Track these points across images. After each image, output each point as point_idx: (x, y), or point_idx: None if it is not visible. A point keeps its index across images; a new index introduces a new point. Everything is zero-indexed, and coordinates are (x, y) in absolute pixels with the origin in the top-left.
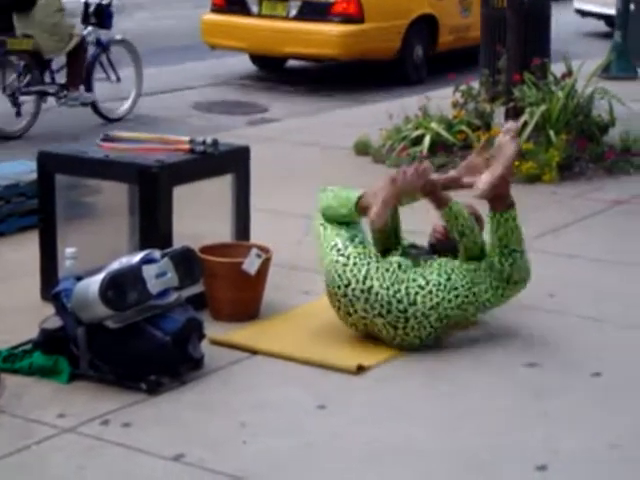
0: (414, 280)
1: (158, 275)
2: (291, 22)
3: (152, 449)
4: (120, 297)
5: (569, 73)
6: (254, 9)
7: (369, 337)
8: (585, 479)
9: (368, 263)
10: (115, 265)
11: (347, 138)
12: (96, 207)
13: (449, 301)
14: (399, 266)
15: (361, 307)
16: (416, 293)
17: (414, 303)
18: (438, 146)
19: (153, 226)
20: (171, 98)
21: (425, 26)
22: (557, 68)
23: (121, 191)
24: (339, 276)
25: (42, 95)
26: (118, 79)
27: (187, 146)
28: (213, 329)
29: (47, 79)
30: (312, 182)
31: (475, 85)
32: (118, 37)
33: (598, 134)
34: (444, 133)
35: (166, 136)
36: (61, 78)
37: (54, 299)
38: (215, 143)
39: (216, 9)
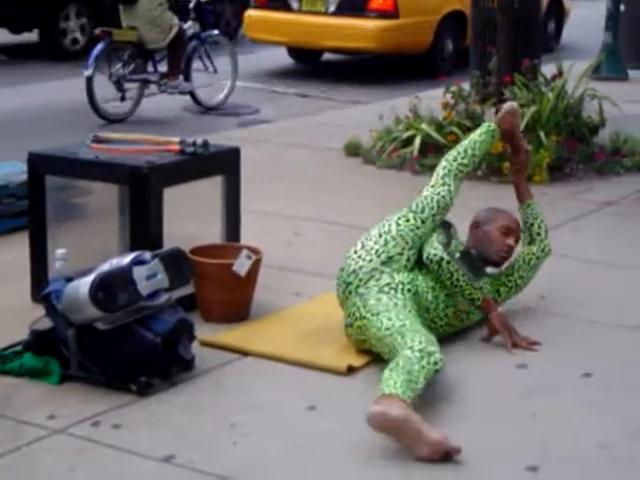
0: (367, 304)
1: (148, 276)
2: (330, 17)
3: (142, 450)
4: (110, 298)
5: (559, 74)
6: (294, 5)
7: None
8: (576, 479)
9: (370, 260)
10: (105, 266)
11: (337, 139)
12: (86, 208)
13: (371, 337)
14: (388, 284)
15: (340, 295)
16: (356, 318)
17: (351, 325)
18: (428, 147)
19: (143, 227)
20: (162, 99)
21: (455, 21)
22: (547, 69)
23: (111, 192)
24: (346, 258)
25: (144, 83)
26: (215, 70)
27: (177, 147)
28: (203, 330)
29: (150, 68)
30: (302, 183)
31: (465, 86)
32: (215, 32)
33: (588, 135)
34: (434, 134)
35: (156, 137)
36: (162, 67)
37: (44, 300)
38: (205, 144)
39: (258, 5)
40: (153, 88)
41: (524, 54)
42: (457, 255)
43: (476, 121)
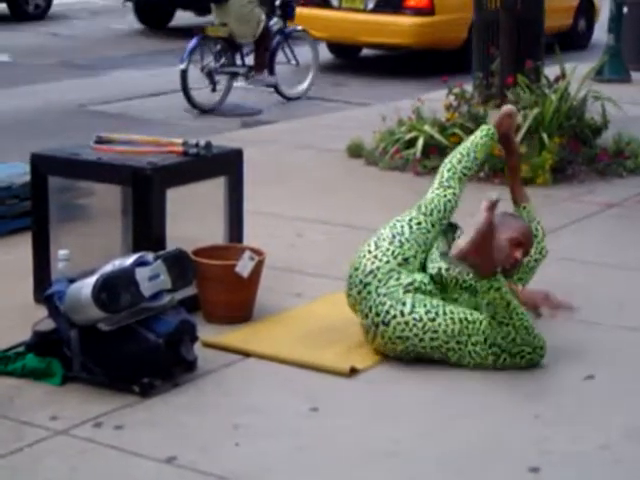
0: (403, 303)
1: (151, 277)
2: (368, 14)
3: (144, 451)
4: (113, 299)
5: (562, 76)
6: (334, 2)
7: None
8: None
9: (387, 262)
10: (108, 267)
11: (340, 140)
12: (89, 209)
13: (421, 340)
14: (410, 283)
15: (354, 295)
16: (394, 316)
17: (387, 324)
18: (431, 149)
19: (146, 228)
20: (165, 100)
21: None
22: (550, 71)
23: (114, 193)
24: (358, 257)
25: (233, 75)
26: (297, 63)
27: (180, 148)
28: (206, 331)
29: (238, 61)
30: (305, 184)
31: (468, 88)
32: (299, 27)
33: (591, 137)
34: (437, 136)
35: (159, 138)
36: (250, 61)
37: (47, 301)
38: (208, 145)
39: (301, 3)
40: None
41: (527, 55)
42: None
43: (479, 123)
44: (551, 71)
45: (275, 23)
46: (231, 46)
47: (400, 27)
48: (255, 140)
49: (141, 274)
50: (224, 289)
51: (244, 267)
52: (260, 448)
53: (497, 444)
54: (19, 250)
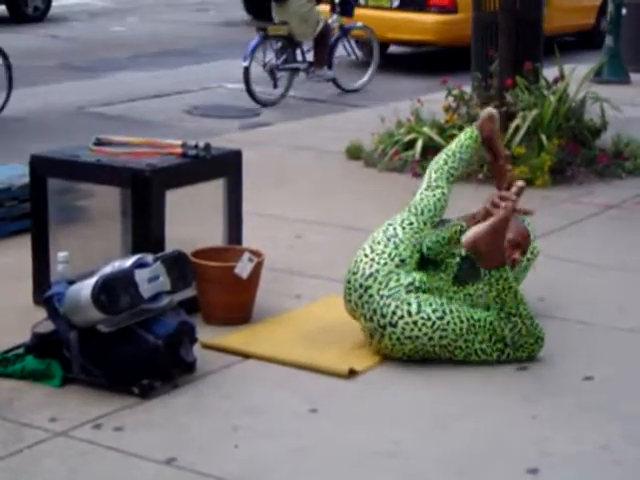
0: (408, 303)
1: (150, 279)
2: (394, 12)
3: (144, 453)
4: (112, 301)
5: (561, 77)
6: (361, 0)
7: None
8: None
9: (385, 264)
10: (107, 269)
11: (339, 142)
12: (88, 211)
13: (430, 339)
14: (411, 283)
15: (354, 300)
16: (401, 317)
17: (394, 325)
18: (430, 150)
19: (145, 230)
20: (164, 102)
21: None
22: (549, 72)
23: (113, 195)
24: (355, 261)
25: (294, 71)
26: (357, 58)
27: (179, 150)
28: (205, 333)
29: (299, 58)
30: (304, 186)
31: (467, 89)
32: (359, 24)
33: (590, 138)
34: (436, 137)
35: (158, 140)
36: (310, 57)
37: (46, 303)
38: (207, 147)
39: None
40: (302, 76)
41: (526, 57)
42: (457, 259)
43: None
44: (550, 72)
45: (335, 20)
46: (291, 44)
47: (424, 24)
48: (254, 142)
49: (140, 276)
50: (223, 291)
51: (243, 268)
52: (259, 449)
53: (496, 445)
54: (18, 252)
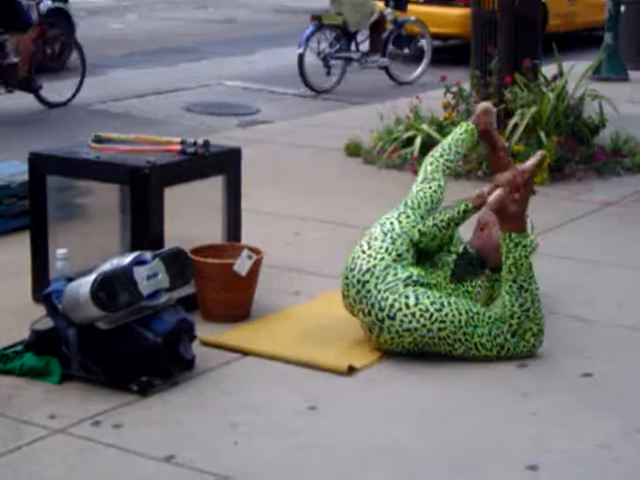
0: (406, 296)
1: (149, 276)
2: (422, 6)
3: (143, 450)
4: (111, 298)
5: (560, 74)
6: None
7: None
8: (575, 479)
9: (382, 259)
10: (106, 266)
11: (338, 139)
12: (87, 208)
13: (429, 330)
14: (409, 277)
15: (352, 295)
16: (399, 309)
17: (392, 318)
18: (429, 147)
19: (144, 227)
20: (163, 99)
21: None
22: (548, 70)
23: (112, 192)
24: (352, 258)
25: (347, 60)
26: (409, 51)
27: (178, 147)
28: (204, 330)
29: (352, 48)
30: (303, 183)
31: (466, 86)
32: (412, 18)
33: (589, 135)
34: (435, 134)
35: (157, 137)
36: (363, 48)
37: (45, 300)
38: (206, 144)
39: None
40: (355, 65)
41: (525, 54)
42: (453, 256)
43: None
44: (549, 70)
45: (389, 13)
46: (345, 33)
47: (452, 18)
48: (253, 139)
49: (139, 273)
50: (222, 288)
51: (242, 266)
52: (258, 446)
53: (495, 442)
54: (17, 249)
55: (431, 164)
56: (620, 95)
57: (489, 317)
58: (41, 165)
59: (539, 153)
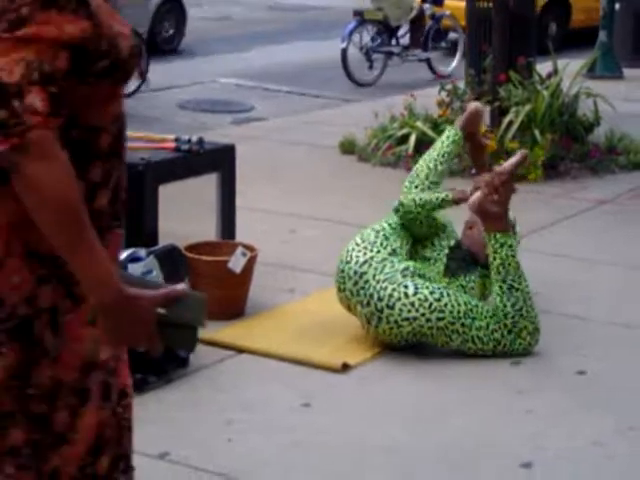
0: (405, 286)
1: (143, 273)
2: (456, 1)
3: (137, 447)
4: None
5: (554, 72)
6: None
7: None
8: (570, 476)
9: (378, 251)
10: None
11: (332, 137)
12: None
13: (428, 320)
14: (406, 268)
15: (349, 288)
16: (398, 299)
17: (392, 307)
18: (424, 145)
19: (138, 224)
20: (157, 97)
21: (559, 6)
22: (543, 67)
23: None
24: (347, 251)
25: (389, 54)
26: (447, 45)
27: (173, 144)
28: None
29: (393, 42)
30: (297, 181)
31: (461, 84)
32: (447, 12)
33: (583, 133)
34: (430, 132)
35: (152, 134)
36: (403, 42)
37: None
38: (201, 142)
39: None
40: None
41: (519, 52)
42: (445, 251)
43: None
44: (543, 67)
45: (428, 8)
46: (387, 28)
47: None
48: (247, 136)
49: (134, 270)
50: (217, 285)
51: (236, 263)
52: (253, 443)
53: (490, 439)
54: None
55: (416, 187)
56: (614, 93)
57: (487, 311)
58: None
59: (520, 153)
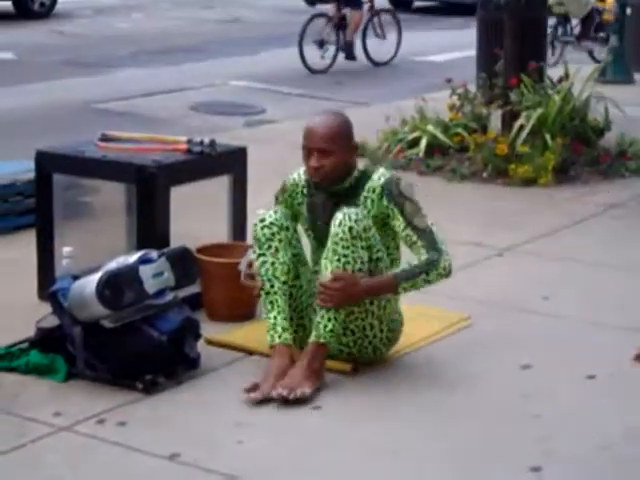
0: None
1: (155, 275)
2: None
3: (147, 448)
4: (117, 296)
5: (565, 76)
6: None
7: None
8: None
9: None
10: (112, 265)
11: None
12: (93, 207)
13: None
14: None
15: None
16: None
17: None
18: (434, 149)
19: (150, 226)
20: (169, 99)
21: None
22: (554, 72)
23: (118, 191)
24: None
25: (566, 43)
26: (605, 37)
27: (185, 146)
28: (209, 329)
29: (568, 33)
30: None
31: (472, 88)
32: (607, 7)
33: (594, 138)
34: (440, 136)
35: (164, 136)
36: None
37: (51, 298)
38: (213, 144)
39: None
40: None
41: (530, 56)
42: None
43: (482, 123)
44: (555, 72)
45: (593, 3)
46: (566, 21)
47: None
48: (259, 139)
49: (145, 271)
50: (227, 287)
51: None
52: (263, 446)
53: (499, 443)
54: (23, 247)
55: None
56: (625, 98)
57: None
58: (47, 163)
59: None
